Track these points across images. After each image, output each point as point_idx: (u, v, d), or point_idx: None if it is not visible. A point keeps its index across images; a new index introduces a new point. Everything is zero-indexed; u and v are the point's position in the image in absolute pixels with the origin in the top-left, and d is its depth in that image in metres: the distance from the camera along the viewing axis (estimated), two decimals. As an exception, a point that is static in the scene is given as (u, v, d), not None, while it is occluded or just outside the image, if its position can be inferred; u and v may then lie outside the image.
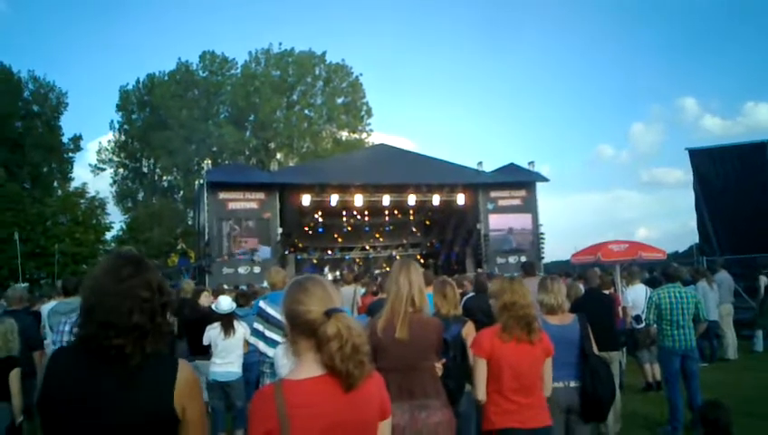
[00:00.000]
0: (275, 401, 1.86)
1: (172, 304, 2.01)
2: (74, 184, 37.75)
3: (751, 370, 9.86)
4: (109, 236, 35.12)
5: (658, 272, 9.23)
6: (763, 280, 11.93)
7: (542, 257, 27.61)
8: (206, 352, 6.50)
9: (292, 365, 2.00)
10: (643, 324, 8.49)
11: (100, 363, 1.82)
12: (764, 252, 12.99)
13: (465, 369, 4.23)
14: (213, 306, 6.66)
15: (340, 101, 50.67)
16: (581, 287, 8.32)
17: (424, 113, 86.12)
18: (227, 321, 6.40)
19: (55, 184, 39.64)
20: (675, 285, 7.00)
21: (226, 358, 6.40)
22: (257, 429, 1.87)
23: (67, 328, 4.62)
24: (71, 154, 42.67)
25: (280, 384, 1.92)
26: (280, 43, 50.02)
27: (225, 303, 6.52)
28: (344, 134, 50.37)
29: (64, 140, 41.50)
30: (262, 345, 6.35)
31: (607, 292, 8.22)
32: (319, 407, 1.87)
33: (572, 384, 4.21)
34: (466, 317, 4.78)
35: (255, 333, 6.39)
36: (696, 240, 16.58)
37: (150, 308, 1.88)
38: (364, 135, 50.93)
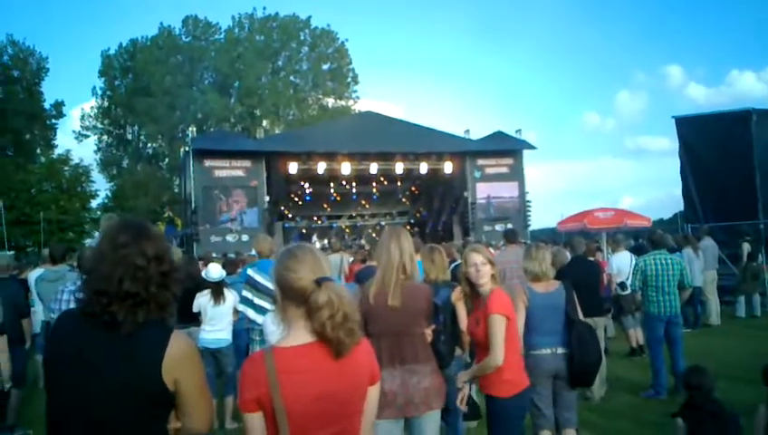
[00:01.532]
0: (266, 367, 1.87)
1: (174, 274, 1.98)
2: (58, 151, 37.25)
3: (733, 335, 10.06)
4: (94, 203, 34.85)
5: (645, 239, 9.32)
6: (745, 247, 12.08)
7: (529, 225, 27.75)
8: (196, 319, 6.52)
9: (282, 332, 2.01)
10: (628, 291, 8.62)
11: (95, 329, 1.84)
12: (748, 219, 13.15)
13: (454, 332, 4.29)
14: (203, 274, 6.65)
15: (325, 67, 50.14)
16: (567, 254, 8.40)
17: (411, 80, 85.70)
18: (217, 288, 6.41)
19: (38, 151, 39.03)
20: (661, 252, 7.09)
21: (216, 325, 6.42)
22: (247, 394, 1.88)
23: (65, 296, 4.61)
24: (53, 120, 41.94)
25: (270, 351, 1.94)
26: (264, 8, 49.33)
27: (216, 271, 6.52)
28: (330, 101, 49.96)
29: (46, 106, 40.80)
30: (251, 313, 6.38)
31: (592, 259, 8.31)
32: (309, 373, 1.89)
33: (559, 351, 4.27)
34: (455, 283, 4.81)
35: (244, 300, 6.42)
36: (681, 208, 16.73)
37: (145, 277, 1.87)
38: (351, 102, 50.53)
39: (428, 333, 3.66)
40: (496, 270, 3.85)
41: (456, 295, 4.28)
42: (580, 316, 4.39)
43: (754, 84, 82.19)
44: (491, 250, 15.05)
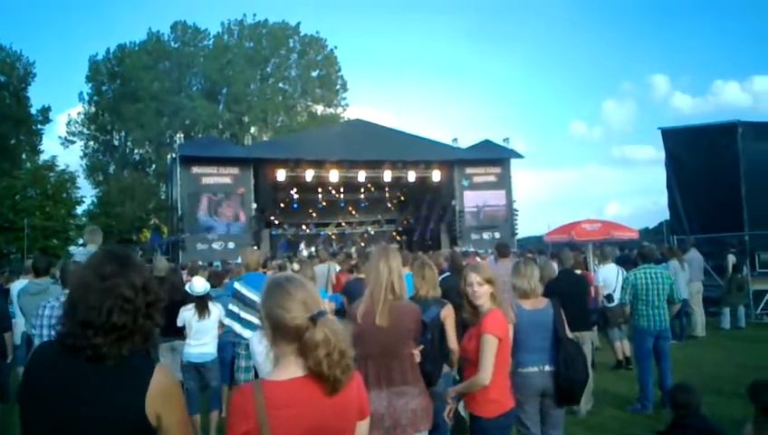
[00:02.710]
0: (255, 402, 1.84)
1: (159, 304, 1.93)
2: (43, 157, 36.98)
3: (718, 347, 10.11)
4: (79, 210, 34.60)
5: (635, 253, 9.35)
6: (730, 259, 12.15)
7: (516, 233, 27.87)
8: (180, 333, 6.45)
9: (272, 366, 1.97)
10: (615, 303, 8.63)
11: (77, 361, 1.79)
12: (733, 231, 13.23)
13: (443, 351, 4.25)
14: (187, 288, 6.58)
15: (314, 74, 50.19)
16: (554, 266, 8.41)
17: (400, 88, 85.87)
18: (202, 302, 6.34)
19: (24, 157, 38.70)
20: (650, 266, 7.13)
21: (201, 339, 6.34)
22: (236, 428, 1.85)
23: (47, 312, 4.53)
24: (39, 126, 41.62)
25: (260, 384, 1.90)
26: (254, 15, 49.37)
27: (200, 284, 6.44)
28: (319, 108, 49.97)
29: (32, 111, 40.49)
30: (237, 327, 6.33)
31: (579, 271, 8.32)
32: (299, 408, 1.86)
33: (547, 368, 4.24)
34: (443, 298, 4.78)
35: (230, 314, 6.35)
36: (667, 217, 16.82)
37: (133, 308, 1.84)
38: (339, 110, 50.58)
39: (416, 353, 3.63)
40: (496, 289, 3.82)
41: (446, 313, 4.26)
42: (569, 334, 4.37)
43: (739, 94, 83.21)
44: (478, 259, 15.07)
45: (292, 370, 1.89)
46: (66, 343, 1.81)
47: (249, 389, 1.89)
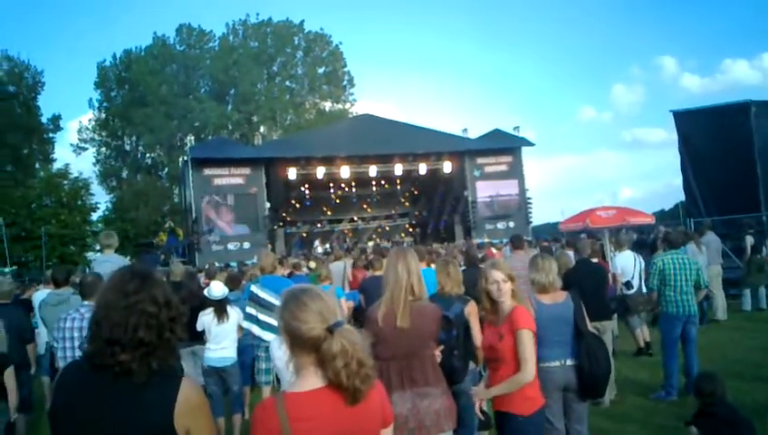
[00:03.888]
0: (278, 415, 1.85)
1: (181, 318, 1.96)
2: (56, 165, 37.31)
3: (740, 329, 10.00)
4: (95, 216, 34.86)
5: (651, 238, 9.27)
6: (749, 240, 12.00)
7: (530, 222, 27.79)
8: (200, 338, 6.48)
9: (292, 376, 1.97)
10: (633, 290, 8.58)
11: (105, 379, 1.81)
12: (749, 212, 13.09)
13: (468, 347, 4.26)
14: (205, 292, 6.61)
15: (321, 70, 50.21)
16: (571, 257, 8.35)
17: (407, 81, 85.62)
18: (220, 306, 6.37)
19: (37, 166, 39.02)
20: (677, 251, 7.07)
21: (221, 343, 6.38)
22: None
23: (68, 324, 4.55)
24: (51, 135, 41.98)
25: (282, 397, 1.91)
26: (257, 14, 49.42)
27: (218, 289, 6.47)
28: (327, 105, 50.00)
29: (43, 120, 40.80)
30: (256, 329, 6.35)
31: (596, 260, 8.27)
32: (322, 420, 1.86)
33: (569, 363, 4.21)
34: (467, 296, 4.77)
35: (248, 317, 6.37)
36: (681, 198, 16.67)
37: (157, 324, 1.86)
38: (348, 105, 50.57)
39: (437, 353, 3.63)
40: (516, 286, 3.82)
41: (470, 309, 4.25)
42: (590, 327, 4.33)
43: (748, 72, 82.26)
44: (493, 250, 15.02)
45: (313, 381, 1.90)
46: (94, 362, 1.84)
47: (271, 403, 1.91)
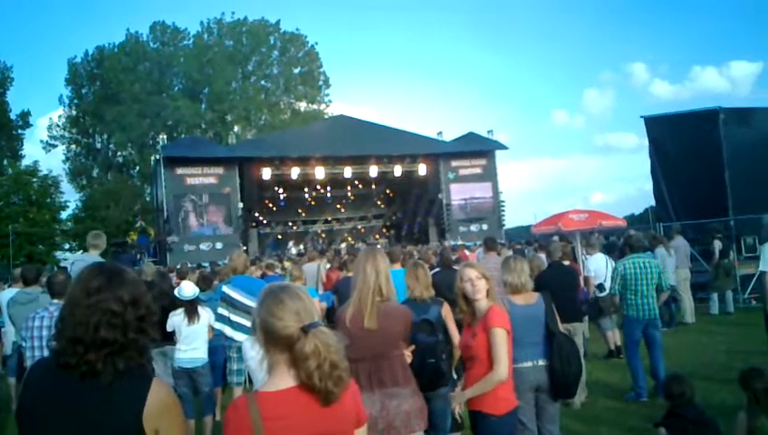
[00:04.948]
0: (250, 414, 1.81)
1: (151, 318, 1.91)
2: (25, 162, 36.59)
3: (708, 332, 10.16)
4: (64, 215, 34.29)
5: (622, 243, 9.37)
6: (717, 244, 12.21)
7: (503, 224, 27.98)
8: (170, 338, 6.39)
9: (265, 376, 1.94)
10: (606, 292, 8.66)
11: (71, 379, 1.77)
12: (718, 217, 13.31)
13: (449, 348, 4.27)
14: (176, 292, 6.52)
15: (296, 71, 50.00)
16: (543, 259, 8.42)
17: (383, 83, 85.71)
18: (191, 307, 6.29)
19: (5, 163, 38.25)
20: (639, 255, 7.13)
21: (191, 344, 6.29)
22: None
23: (36, 323, 4.47)
24: (20, 131, 41.26)
25: (254, 396, 1.88)
26: (233, 13, 49.09)
27: (188, 289, 6.38)
28: (302, 105, 49.78)
29: (12, 116, 40.03)
30: (228, 330, 6.31)
31: (567, 263, 8.35)
32: (295, 419, 1.84)
33: (540, 363, 4.24)
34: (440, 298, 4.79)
35: (220, 318, 6.33)
36: (652, 203, 16.87)
37: (122, 323, 1.81)
38: (323, 106, 50.41)
39: (407, 353, 3.63)
40: (491, 285, 3.82)
41: (445, 311, 4.26)
42: (561, 328, 4.37)
43: (717, 79, 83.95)
44: (467, 252, 15.08)
45: (285, 380, 1.87)
46: (59, 361, 1.80)
47: (243, 401, 1.87)
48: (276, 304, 1.92)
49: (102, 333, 1.77)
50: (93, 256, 6.31)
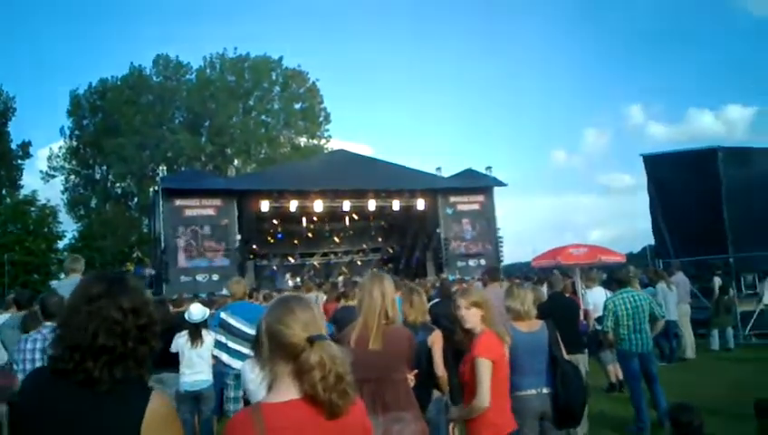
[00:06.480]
0: (255, 427, 1.77)
1: (153, 327, 1.87)
2: (24, 192, 36.66)
3: (708, 369, 10.08)
4: (61, 244, 34.20)
5: (608, 278, 9.35)
6: (717, 281, 12.21)
7: (501, 261, 27.89)
8: (172, 364, 6.30)
9: (269, 386, 1.89)
10: (605, 326, 8.60)
11: (68, 387, 1.73)
12: (717, 254, 13.32)
13: (431, 376, 4.20)
14: (185, 315, 6.47)
15: (297, 106, 50.44)
16: (543, 292, 8.38)
17: (382, 120, 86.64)
18: (196, 330, 6.24)
19: (4, 192, 38.32)
20: (628, 290, 7.05)
21: (195, 367, 6.24)
22: None
23: (29, 346, 4.40)
24: (20, 161, 41.42)
25: (258, 407, 1.84)
26: (235, 48, 49.66)
27: (197, 311, 6.34)
28: (302, 140, 50.12)
29: (12, 146, 40.23)
30: (225, 357, 6.24)
31: (567, 295, 8.31)
32: (300, 431, 1.79)
33: (545, 391, 4.19)
34: (433, 324, 4.76)
35: (218, 344, 6.26)
36: (649, 241, 16.91)
37: (122, 331, 1.77)
38: (323, 141, 50.74)
39: (411, 377, 3.58)
40: (487, 312, 3.80)
41: (434, 339, 4.21)
42: (564, 355, 4.32)
43: (712, 122, 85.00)
44: (465, 286, 14.99)
45: (290, 391, 1.83)
46: (57, 367, 1.75)
47: (247, 413, 1.84)
48: (286, 313, 1.90)
49: (101, 341, 1.73)
50: (78, 279, 6.24)
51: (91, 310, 1.77)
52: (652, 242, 17.79)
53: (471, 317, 3.82)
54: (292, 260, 31.53)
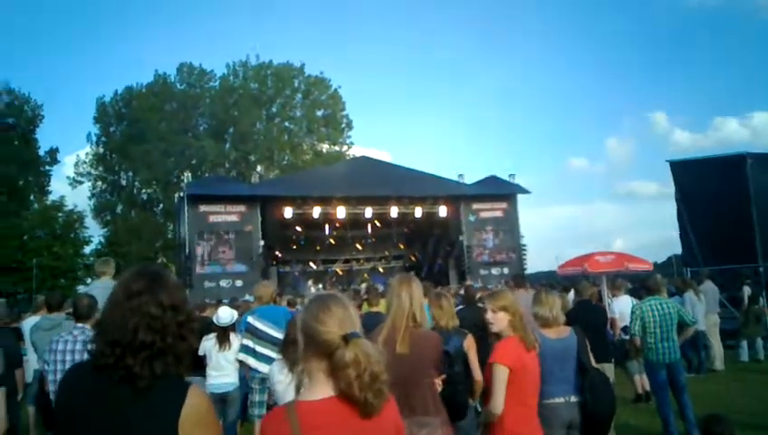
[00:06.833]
0: (290, 424, 1.76)
1: (191, 324, 1.89)
2: (52, 197, 37.24)
3: (738, 380, 9.89)
4: (87, 249, 34.66)
5: (639, 286, 9.21)
6: (746, 290, 11.99)
7: (525, 269, 27.70)
8: (198, 368, 6.35)
9: (302, 384, 1.89)
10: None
11: (107, 382, 1.75)
12: (746, 262, 13.11)
13: (468, 380, 4.18)
14: (213, 318, 6.53)
15: (319, 113, 50.66)
16: (570, 299, 8.29)
17: (404, 126, 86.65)
18: (224, 334, 6.29)
19: (32, 198, 38.97)
20: (656, 298, 6.92)
21: (222, 370, 6.31)
22: None
23: (60, 347, 4.45)
24: (47, 167, 42.16)
25: (293, 405, 1.83)
26: (257, 55, 50.04)
27: (225, 314, 6.39)
28: (325, 146, 50.29)
29: (41, 153, 40.94)
30: (252, 361, 6.26)
31: (595, 303, 8.21)
32: (334, 429, 1.79)
33: (573, 399, 4.11)
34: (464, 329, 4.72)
35: (245, 349, 6.27)
36: (674, 250, 16.73)
37: (161, 326, 1.79)
38: (345, 148, 50.89)
39: (438, 382, 3.56)
40: (516, 316, 3.76)
41: (468, 343, 4.18)
42: (593, 363, 4.25)
43: (738, 129, 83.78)
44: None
45: (324, 390, 1.83)
46: (98, 362, 1.78)
47: (282, 412, 1.83)
48: (322, 309, 1.89)
49: (141, 337, 1.75)
50: (109, 281, 6.32)
51: (132, 306, 1.79)
52: (677, 251, 17.63)
53: (498, 321, 3.76)
54: (315, 266, 31.60)
